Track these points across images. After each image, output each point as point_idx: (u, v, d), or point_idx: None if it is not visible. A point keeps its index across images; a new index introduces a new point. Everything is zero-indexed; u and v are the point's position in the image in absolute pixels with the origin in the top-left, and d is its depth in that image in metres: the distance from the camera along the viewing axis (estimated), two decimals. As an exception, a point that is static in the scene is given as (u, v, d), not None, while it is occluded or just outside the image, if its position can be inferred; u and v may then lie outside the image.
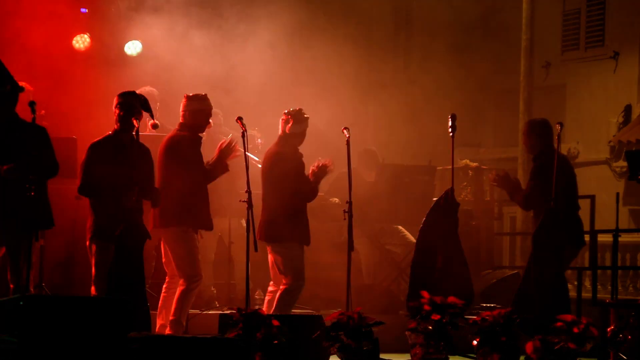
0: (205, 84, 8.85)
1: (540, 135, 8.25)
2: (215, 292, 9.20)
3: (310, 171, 7.89)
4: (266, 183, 7.78)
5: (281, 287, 7.78)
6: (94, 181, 7.05)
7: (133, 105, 7.15)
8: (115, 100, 7.23)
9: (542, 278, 7.45)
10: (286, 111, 7.88)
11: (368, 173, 9.93)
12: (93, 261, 7.12)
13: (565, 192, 7.98)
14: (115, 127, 7.19)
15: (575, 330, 6.58)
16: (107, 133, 7.28)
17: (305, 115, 7.89)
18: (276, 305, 7.72)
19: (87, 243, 7.18)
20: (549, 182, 7.90)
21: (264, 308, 7.87)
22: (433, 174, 9.89)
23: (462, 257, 7.57)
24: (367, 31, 14.34)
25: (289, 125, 7.83)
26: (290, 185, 7.73)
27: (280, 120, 7.88)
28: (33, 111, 6.76)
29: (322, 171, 7.88)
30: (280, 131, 7.89)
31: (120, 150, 7.09)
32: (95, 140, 7.27)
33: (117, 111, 7.17)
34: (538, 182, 8.05)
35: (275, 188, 7.75)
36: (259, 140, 9.64)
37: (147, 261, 7.17)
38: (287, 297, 7.75)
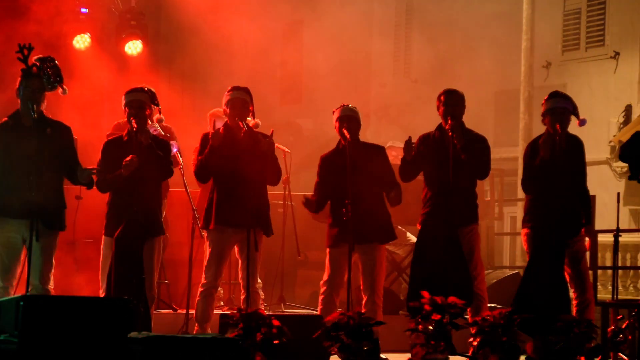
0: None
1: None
2: (221, 292, 9.21)
3: None
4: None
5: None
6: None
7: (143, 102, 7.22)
8: (124, 99, 7.26)
9: (542, 278, 7.44)
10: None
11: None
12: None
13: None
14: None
15: (576, 330, 6.58)
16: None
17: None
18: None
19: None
20: None
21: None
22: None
23: (462, 257, 7.55)
24: (368, 30, 14.35)
25: None
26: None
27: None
28: (33, 111, 6.77)
29: None
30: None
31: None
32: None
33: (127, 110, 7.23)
34: None
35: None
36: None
37: (147, 260, 7.15)
38: None
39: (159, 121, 7.85)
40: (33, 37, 9.53)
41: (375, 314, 7.22)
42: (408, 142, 7.58)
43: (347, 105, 7.68)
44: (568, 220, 7.54)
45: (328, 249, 7.62)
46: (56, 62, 6.91)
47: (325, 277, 7.60)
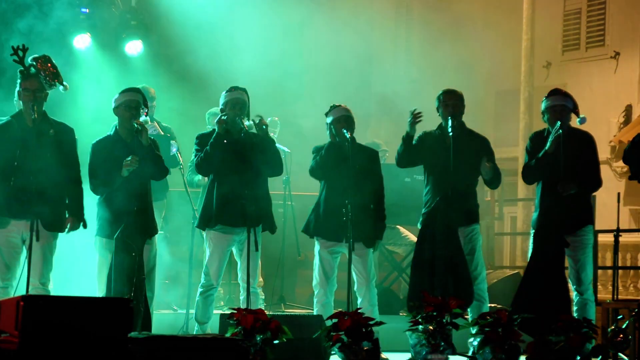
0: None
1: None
2: (222, 292, 9.20)
3: None
4: None
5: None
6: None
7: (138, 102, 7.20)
8: (119, 99, 7.24)
9: (542, 278, 7.45)
10: None
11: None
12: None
13: None
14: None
15: (576, 330, 6.58)
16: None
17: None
18: None
19: None
20: None
21: None
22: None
23: (462, 257, 7.55)
24: (368, 29, 14.34)
25: None
26: None
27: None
28: (33, 112, 6.77)
29: None
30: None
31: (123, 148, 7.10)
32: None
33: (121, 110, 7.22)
34: None
35: None
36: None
37: (147, 260, 7.15)
38: None
39: (145, 122, 7.87)
40: (35, 37, 9.58)
41: (372, 313, 7.21)
42: (413, 116, 7.55)
43: (342, 106, 7.66)
44: (571, 217, 7.52)
45: (317, 248, 7.61)
46: (52, 60, 6.90)
47: (315, 278, 7.59)
